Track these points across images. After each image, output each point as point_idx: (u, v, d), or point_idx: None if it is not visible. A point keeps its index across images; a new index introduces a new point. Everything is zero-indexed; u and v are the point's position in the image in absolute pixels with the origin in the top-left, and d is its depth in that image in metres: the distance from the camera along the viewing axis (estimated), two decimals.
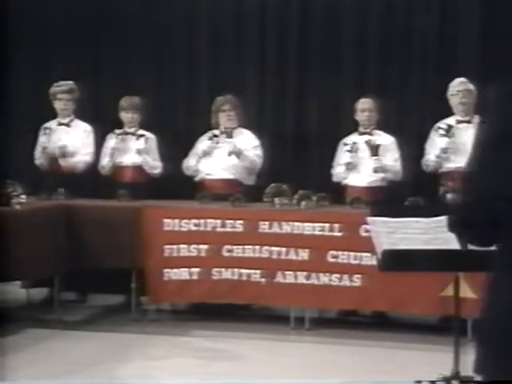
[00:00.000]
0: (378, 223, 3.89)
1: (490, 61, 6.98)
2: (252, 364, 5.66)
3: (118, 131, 7.30)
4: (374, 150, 6.95)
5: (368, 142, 6.97)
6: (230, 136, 7.16)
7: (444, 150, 6.77)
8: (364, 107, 7.06)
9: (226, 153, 7.13)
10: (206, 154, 7.16)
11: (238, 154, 7.10)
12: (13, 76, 7.91)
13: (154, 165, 7.33)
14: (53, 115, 7.45)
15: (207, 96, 7.69)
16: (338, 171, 7.10)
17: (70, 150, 7.27)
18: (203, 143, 7.23)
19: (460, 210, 2.27)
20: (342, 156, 7.06)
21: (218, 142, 7.17)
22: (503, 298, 2.16)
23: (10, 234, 5.96)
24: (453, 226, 2.30)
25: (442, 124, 6.87)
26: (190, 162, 7.25)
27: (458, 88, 6.80)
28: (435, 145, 6.89)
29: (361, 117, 7.08)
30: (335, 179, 7.15)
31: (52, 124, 7.42)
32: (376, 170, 6.95)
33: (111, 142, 7.32)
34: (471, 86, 6.72)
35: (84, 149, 7.37)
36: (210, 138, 7.19)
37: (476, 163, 2.20)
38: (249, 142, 7.22)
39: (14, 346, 5.85)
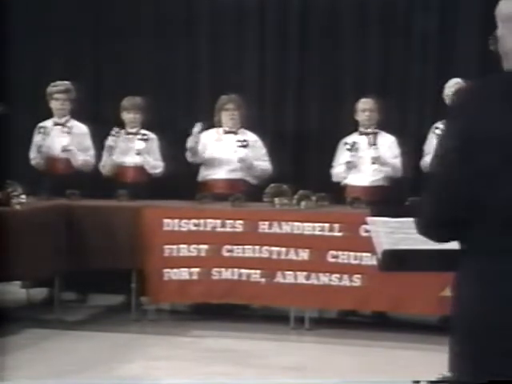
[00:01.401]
0: (378, 223, 3.88)
1: (489, 61, 6.98)
2: (252, 364, 5.66)
3: (115, 130, 7.27)
4: (372, 140, 6.95)
5: (367, 135, 6.98)
6: (244, 146, 7.12)
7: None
8: (365, 107, 7.06)
9: (233, 154, 7.10)
10: (192, 149, 7.11)
11: (248, 165, 7.09)
12: (12, 76, 7.91)
13: (155, 165, 7.33)
14: (50, 115, 7.45)
15: (207, 96, 7.69)
16: (338, 171, 7.10)
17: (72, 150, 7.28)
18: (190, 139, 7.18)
19: (421, 212, 2.32)
20: (343, 155, 7.06)
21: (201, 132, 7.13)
22: (464, 297, 2.18)
23: (10, 234, 5.96)
24: (418, 228, 2.36)
25: (439, 125, 6.86)
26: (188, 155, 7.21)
27: (453, 89, 6.79)
28: (431, 146, 6.89)
29: (361, 117, 7.08)
30: (335, 179, 7.15)
31: (47, 124, 7.42)
32: (374, 162, 6.95)
33: (109, 140, 7.30)
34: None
35: (84, 151, 7.36)
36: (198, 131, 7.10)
37: (439, 165, 2.24)
38: (259, 151, 7.19)
39: (14, 346, 5.85)
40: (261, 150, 7.23)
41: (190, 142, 7.09)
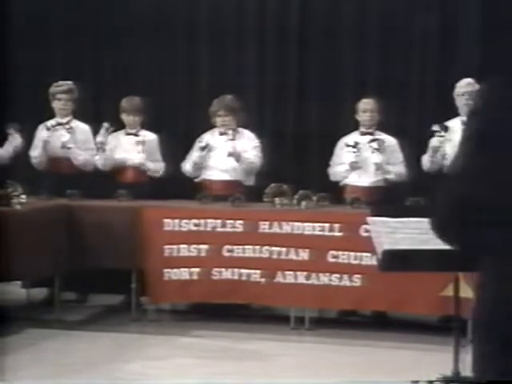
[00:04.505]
0: (378, 223, 3.89)
1: (490, 61, 6.98)
2: (252, 364, 5.67)
3: (105, 126, 7.23)
4: (377, 145, 6.94)
5: (372, 140, 6.96)
6: (233, 138, 7.10)
7: (435, 150, 6.76)
8: (366, 107, 7.04)
9: (225, 154, 7.08)
10: (197, 164, 7.13)
11: (236, 156, 7.06)
12: (13, 76, 7.91)
13: (156, 167, 7.29)
14: (53, 115, 7.45)
15: (207, 96, 7.68)
16: (338, 170, 7.09)
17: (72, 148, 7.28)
18: (194, 154, 7.18)
19: (437, 212, 2.30)
20: (344, 155, 7.04)
21: (210, 151, 7.12)
22: (489, 298, 2.18)
23: (10, 233, 5.96)
24: (433, 228, 2.34)
25: (442, 124, 6.85)
26: (187, 168, 7.22)
27: (465, 89, 6.77)
28: (431, 145, 6.89)
29: (362, 117, 7.07)
30: (333, 178, 7.14)
31: (51, 123, 7.40)
32: (377, 168, 6.94)
33: (99, 136, 7.26)
34: (477, 88, 6.67)
35: (86, 150, 7.35)
36: (202, 149, 7.12)
37: (459, 165, 2.22)
38: (248, 143, 7.18)
39: (14, 346, 5.85)
40: (252, 142, 7.18)
41: (194, 158, 7.12)
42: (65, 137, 7.29)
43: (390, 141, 7.03)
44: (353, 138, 7.08)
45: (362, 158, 6.98)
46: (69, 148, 7.25)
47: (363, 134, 7.08)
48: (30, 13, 8.28)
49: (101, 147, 7.23)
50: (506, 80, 2.18)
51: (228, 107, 7.14)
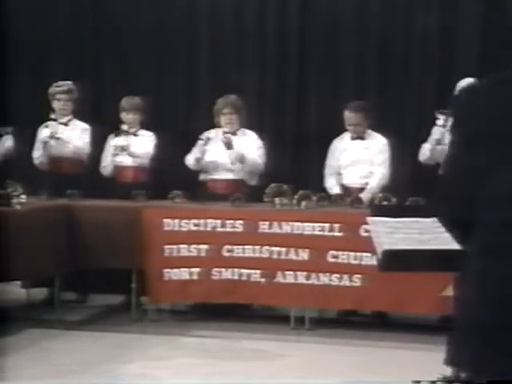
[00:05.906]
0: (378, 223, 3.89)
1: (490, 61, 6.98)
2: (252, 364, 5.67)
3: (119, 131, 7.28)
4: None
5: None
6: (229, 147, 7.07)
7: (438, 142, 6.75)
8: (349, 122, 7.01)
9: (229, 159, 7.06)
10: (199, 160, 7.13)
11: (241, 160, 7.05)
12: (13, 76, 7.91)
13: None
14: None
15: (207, 96, 7.69)
16: (328, 185, 7.07)
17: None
18: (195, 151, 7.17)
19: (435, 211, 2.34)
20: (336, 160, 7.04)
21: (207, 143, 7.11)
22: (465, 298, 2.19)
23: (10, 234, 5.96)
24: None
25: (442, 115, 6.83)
26: (190, 162, 7.20)
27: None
28: (432, 135, 6.87)
29: (348, 128, 7.05)
30: (329, 190, 7.09)
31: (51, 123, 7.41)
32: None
33: (112, 142, 7.31)
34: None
35: (81, 140, 7.33)
36: (204, 143, 7.11)
37: (448, 166, 2.25)
38: (252, 144, 7.16)
39: (14, 346, 5.85)
40: (256, 143, 7.16)
41: (196, 153, 7.09)
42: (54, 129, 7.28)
43: (378, 142, 7.00)
44: (343, 142, 7.04)
45: (354, 159, 6.97)
46: (57, 138, 7.22)
47: (354, 138, 7.05)
48: (30, 13, 8.28)
49: (114, 154, 7.22)
50: (482, 82, 2.20)
51: (234, 105, 7.13)
